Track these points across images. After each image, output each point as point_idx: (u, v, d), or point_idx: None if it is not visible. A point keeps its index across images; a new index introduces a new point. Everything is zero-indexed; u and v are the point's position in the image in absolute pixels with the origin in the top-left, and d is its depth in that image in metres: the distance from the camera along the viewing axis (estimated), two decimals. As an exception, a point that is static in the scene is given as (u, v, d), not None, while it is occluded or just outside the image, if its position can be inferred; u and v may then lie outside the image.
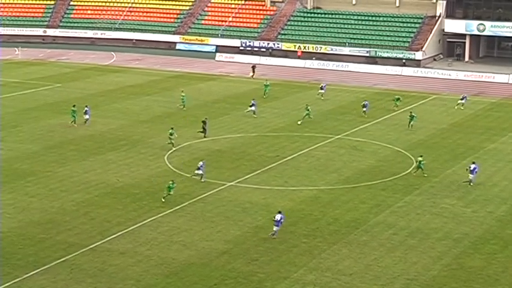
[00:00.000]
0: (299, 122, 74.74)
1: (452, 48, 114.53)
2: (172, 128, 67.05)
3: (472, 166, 57.62)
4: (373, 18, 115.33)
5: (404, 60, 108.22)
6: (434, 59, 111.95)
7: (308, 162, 63.40)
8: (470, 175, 57.40)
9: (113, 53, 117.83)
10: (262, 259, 44.20)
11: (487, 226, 49.73)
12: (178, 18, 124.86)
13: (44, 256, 44.07)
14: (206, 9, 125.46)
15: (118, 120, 75.90)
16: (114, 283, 41.02)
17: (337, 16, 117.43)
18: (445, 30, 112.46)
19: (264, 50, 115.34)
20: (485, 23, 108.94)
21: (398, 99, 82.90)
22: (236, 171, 60.27)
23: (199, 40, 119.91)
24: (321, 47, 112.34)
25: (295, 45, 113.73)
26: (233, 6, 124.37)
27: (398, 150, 67.17)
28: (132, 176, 59.19)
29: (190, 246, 45.94)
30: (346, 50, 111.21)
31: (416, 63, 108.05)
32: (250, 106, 78.18)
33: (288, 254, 44.91)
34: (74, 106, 74.07)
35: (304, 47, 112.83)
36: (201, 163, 57.92)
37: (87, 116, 73.64)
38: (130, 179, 58.29)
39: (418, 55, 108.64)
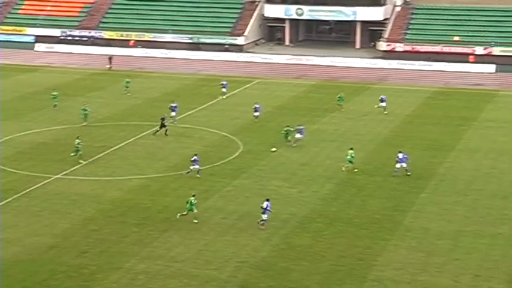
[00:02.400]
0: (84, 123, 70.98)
1: (273, 33, 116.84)
2: (78, 137, 60.87)
3: (400, 155, 56.61)
4: (194, 5, 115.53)
5: (227, 46, 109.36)
6: (256, 44, 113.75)
7: (136, 151, 62.98)
8: (398, 165, 56.63)
9: None
10: (92, 251, 43.55)
11: (313, 205, 51.20)
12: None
13: None
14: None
15: None
16: None
17: (158, 3, 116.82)
18: (265, 15, 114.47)
19: (85, 39, 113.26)
20: (303, 7, 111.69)
21: (340, 98, 77.06)
22: (62, 164, 58.96)
23: (16, 30, 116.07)
24: (144, 35, 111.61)
25: (117, 34, 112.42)
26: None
27: (224, 135, 67.91)
28: (-49, 173, 56.73)
29: (17, 242, 44.59)
30: (168, 37, 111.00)
31: (239, 48, 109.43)
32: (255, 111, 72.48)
33: (118, 245, 44.47)
34: None
35: (127, 35, 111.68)
36: (195, 157, 56.34)
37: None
38: (-50, 177, 55.83)
39: (240, 40, 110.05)
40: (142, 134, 67.60)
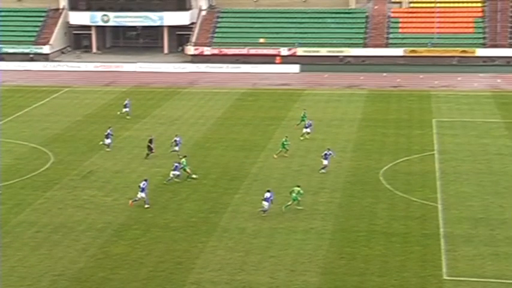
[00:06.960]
0: None
1: (79, 40, 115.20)
2: None
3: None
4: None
5: (31, 55, 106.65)
6: (63, 52, 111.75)
7: None
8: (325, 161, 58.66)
9: None
10: None
11: (129, 212, 50.80)
12: None
13: None
14: None
15: None
16: None
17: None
18: (71, 23, 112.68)
19: None
20: (109, 13, 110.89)
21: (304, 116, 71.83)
22: None
23: None
24: None
25: None
26: None
27: (34, 147, 66.12)
28: None
29: None
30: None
31: (45, 57, 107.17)
32: None
33: None
34: None
35: None
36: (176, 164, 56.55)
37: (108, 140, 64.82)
38: None
39: (46, 49, 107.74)
40: None
